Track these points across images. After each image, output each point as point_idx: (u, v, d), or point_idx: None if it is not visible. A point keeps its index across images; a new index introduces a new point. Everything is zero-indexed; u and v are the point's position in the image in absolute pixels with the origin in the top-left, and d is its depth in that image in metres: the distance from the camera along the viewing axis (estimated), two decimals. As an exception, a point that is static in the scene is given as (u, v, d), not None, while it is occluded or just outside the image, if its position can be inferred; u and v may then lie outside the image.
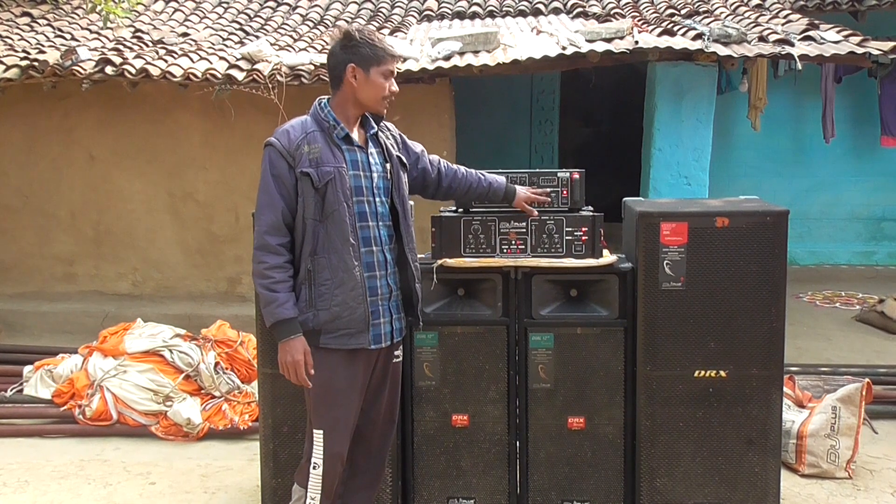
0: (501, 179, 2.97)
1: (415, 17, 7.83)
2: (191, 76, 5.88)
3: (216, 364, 4.47)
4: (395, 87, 2.55)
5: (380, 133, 2.66)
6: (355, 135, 2.57)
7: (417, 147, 2.85)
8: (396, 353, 2.73)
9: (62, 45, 6.57)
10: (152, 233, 6.70)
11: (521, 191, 2.99)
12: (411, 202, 2.79)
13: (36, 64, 5.97)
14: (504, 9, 7.96)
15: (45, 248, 6.73)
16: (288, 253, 2.50)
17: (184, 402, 4.27)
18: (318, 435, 2.54)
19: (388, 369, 2.69)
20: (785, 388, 3.57)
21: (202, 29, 7.45)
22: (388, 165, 2.62)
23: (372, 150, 2.60)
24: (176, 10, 8.07)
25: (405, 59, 2.57)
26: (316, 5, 8.26)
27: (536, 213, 3.01)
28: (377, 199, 2.55)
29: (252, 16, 8.01)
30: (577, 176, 3.08)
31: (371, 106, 2.55)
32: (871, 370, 4.84)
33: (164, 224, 6.69)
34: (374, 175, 2.56)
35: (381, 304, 2.56)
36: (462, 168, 2.95)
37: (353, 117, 2.57)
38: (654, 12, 7.45)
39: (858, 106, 8.39)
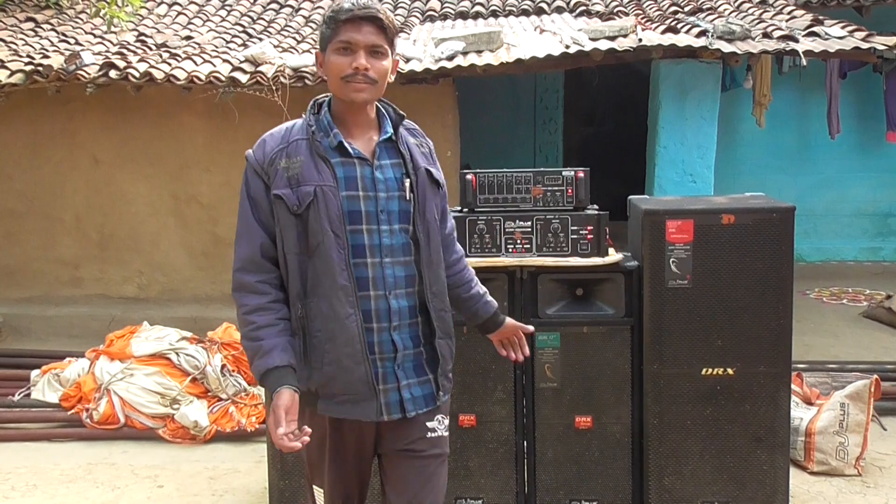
0: (494, 302, 2.35)
1: (418, 18, 7.83)
2: (194, 79, 5.88)
3: (223, 366, 4.47)
4: (360, 62, 1.90)
5: (402, 139, 2.05)
6: (361, 143, 2.00)
7: (443, 179, 2.17)
8: (430, 423, 2.06)
9: (66, 49, 6.58)
10: (157, 236, 6.71)
11: (510, 322, 2.35)
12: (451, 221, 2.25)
13: (40, 69, 5.98)
14: (507, 8, 7.95)
15: (50, 252, 6.75)
16: (274, 290, 1.98)
17: (191, 405, 4.28)
18: (318, 492, 2.12)
19: (412, 449, 2.05)
20: (793, 386, 3.56)
21: (205, 32, 7.46)
22: (408, 181, 2.00)
23: (384, 161, 2.00)
24: (179, 13, 8.08)
25: (371, 16, 1.92)
26: (318, 7, 8.26)
27: (513, 356, 2.37)
28: (384, 228, 1.96)
29: (255, 18, 8.02)
30: (581, 175, 3.07)
31: (336, 93, 1.98)
32: (879, 366, 4.82)
33: (169, 227, 6.70)
34: (382, 195, 1.96)
35: (381, 365, 1.98)
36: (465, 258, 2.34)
37: (352, 119, 2.00)
38: (657, 10, 7.43)
39: (863, 101, 8.36)
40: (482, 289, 2.31)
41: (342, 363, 1.94)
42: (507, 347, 2.36)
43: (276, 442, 1.85)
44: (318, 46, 2.03)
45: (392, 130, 2.03)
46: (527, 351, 2.35)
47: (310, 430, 1.87)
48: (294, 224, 1.93)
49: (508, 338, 2.34)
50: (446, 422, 2.12)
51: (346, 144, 1.96)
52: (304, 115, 2.06)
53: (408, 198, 1.99)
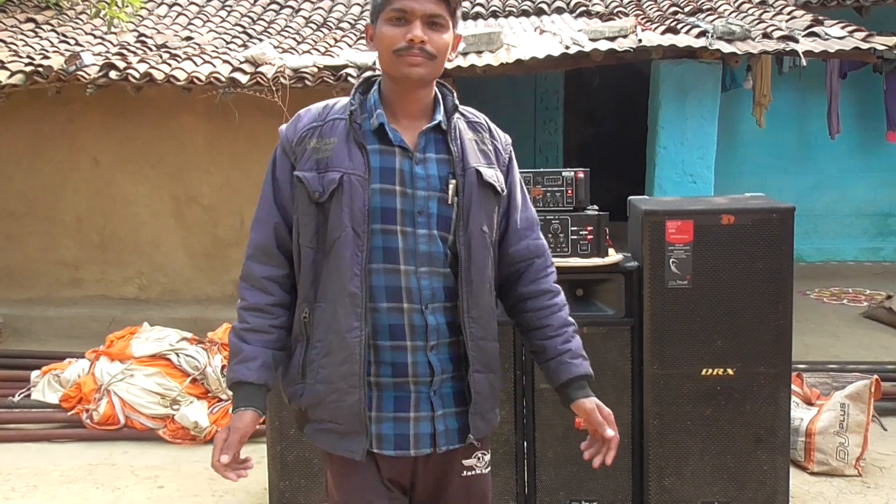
0: (585, 364, 1.85)
1: (417, 19, 7.82)
2: (194, 80, 5.89)
3: (223, 367, 4.47)
4: (415, 33, 1.61)
5: (455, 131, 1.75)
6: (408, 132, 1.71)
7: (516, 184, 1.88)
8: (467, 461, 1.79)
9: (66, 50, 6.59)
10: (157, 237, 6.71)
11: (591, 402, 1.84)
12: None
13: (40, 69, 5.98)
14: (507, 9, 7.95)
15: (51, 254, 6.75)
16: (280, 291, 1.75)
17: (191, 406, 4.28)
18: None
19: (449, 486, 1.79)
20: (793, 386, 3.56)
21: (206, 32, 7.46)
22: (453, 183, 1.70)
23: (429, 154, 1.71)
24: (179, 13, 8.09)
25: None
26: (319, 8, 8.27)
27: (588, 456, 1.84)
28: (421, 232, 1.67)
29: (255, 19, 8.03)
30: (581, 175, 3.07)
31: (387, 69, 1.68)
32: (879, 367, 4.82)
33: (169, 228, 6.70)
34: (421, 193, 1.68)
35: (414, 389, 1.70)
36: (559, 298, 1.90)
37: (402, 103, 1.71)
38: (657, 10, 7.43)
39: (864, 102, 8.36)
40: (566, 345, 1.83)
41: (334, 384, 1.67)
42: (592, 440, 1.84)
43: (212, 463, 1.70)
44: (367, 20, 1.74)
45: (444, 118, 1.72)
46: (609, 459, 1.80)
47: (251, 465, 1.74)
48: (314, 214, 1.68)
49: (593, 428, 1.82)
50: (487, 458, 1.82)
51: (387, 129, 1.68)
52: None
53: (450, 202, 1.69)
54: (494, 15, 7.89)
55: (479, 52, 6.09)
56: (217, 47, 6.89)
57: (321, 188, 1.65)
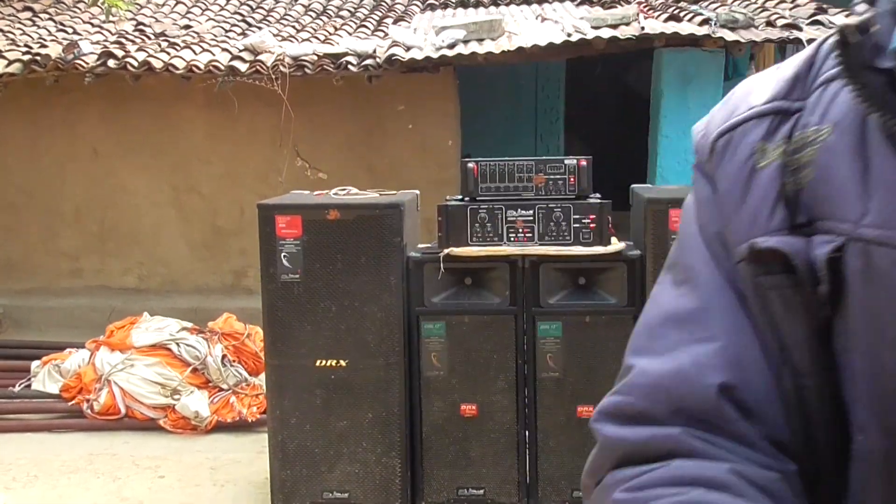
0: None
1: (418, 6, 7.79)
2: (193, 68, 5.85)
3: (223, 357, 4.46)
4: None
5: None
6: None
7: None
8: None
9: (64, 39, 6.55)
10: (157, 227, 6.69)
11: None
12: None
13: (38, 58, 5.95)
14: (508, -4, 7.91)
15: (51, 244, 6.73)
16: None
17: (191, 396, 4.27)
18: None
19: None
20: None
21: (204, 21, 7.42)
22: None
23: None
24: (178, 2, 8.04)
25: None
26: (318, -4, 8.22)
27: None
28: None
29: (254, 7, 7.98)
30: (584, 163, 3.05)
31: None
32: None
33: (169, 218, 6.68)
34: None
35: None
36: None
37: None
38: (659, -2, 7.38)
39: (866, 90, 8.32)
40: None
41: None
42: None
43: None
44: None
45: None
46: None
47: None
48: (810, 356, 0.59)
49: None
50: None
51: None
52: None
53: None
54: (496, 2, 7.84)
55: (480, 40, 6.05)
56: (216, 35, 6.85)
57: (813, 276, 0.57)
